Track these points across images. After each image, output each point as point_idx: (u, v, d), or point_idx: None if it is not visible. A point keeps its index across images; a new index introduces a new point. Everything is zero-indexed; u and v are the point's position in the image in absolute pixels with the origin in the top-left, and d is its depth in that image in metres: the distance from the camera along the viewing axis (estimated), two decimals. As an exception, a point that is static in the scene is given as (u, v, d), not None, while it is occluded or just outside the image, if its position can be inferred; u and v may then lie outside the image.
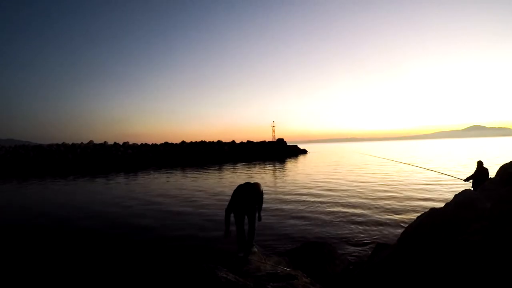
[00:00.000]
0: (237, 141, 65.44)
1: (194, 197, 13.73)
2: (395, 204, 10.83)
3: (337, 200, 12.07)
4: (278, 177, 21.80)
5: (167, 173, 27.98)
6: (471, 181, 7.59)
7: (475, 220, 2.87)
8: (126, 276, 5.40)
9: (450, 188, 13.54)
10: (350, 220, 8.96)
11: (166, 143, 60.49)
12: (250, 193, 4.25)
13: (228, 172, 27.13)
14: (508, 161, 5.75)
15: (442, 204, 3.59)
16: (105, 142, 56.97)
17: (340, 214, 9.72)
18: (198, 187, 17.10)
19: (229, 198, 4.32)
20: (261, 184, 4.58)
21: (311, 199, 12.48)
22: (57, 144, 53.27)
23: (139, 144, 59.79)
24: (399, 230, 7.29)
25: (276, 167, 31.86)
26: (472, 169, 8.39)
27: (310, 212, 10.17)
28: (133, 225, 9.06)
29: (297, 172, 25.24)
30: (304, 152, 69.26)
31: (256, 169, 30.72)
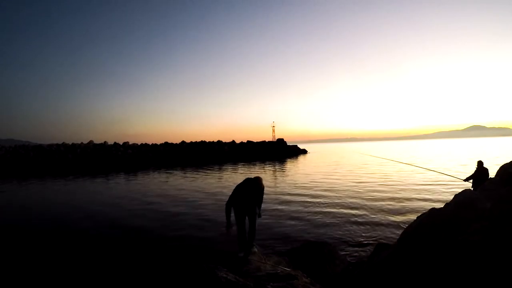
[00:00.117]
0: (237, 141, 65.50)
1: (194, 197, 13.73)
2: (395, 204, 10.83)
3: (337, 200, 12.08)
4: (278, 177, 21.80)
5: (167, 173, 27.98)
6: (471, 181, 7.59)
7: (475, 220, 2.87)
8: (126, 276, 5.40)
9: (450, 188, 13.54)
10: (350, 220, 8.96)
11: (166, 143, 60.50)
12: (250, 192, 4.24)
13: (228, 172, 27.13)
14: (508, 161, 5.75)
15: (442, 204, 3.59)
16: (105, 142, 56.98)
17: (340, 214, 9.72)
18: (197, 187, 17.10)
19: (228, 196, 4.34)
20: (262, 178, 4.50)
21: (311, 199, 12.47)
22: (57, 144, 53.28)
23: (139, 144, 59.81)
24: (399, 230, 7.29)
25: (276, 167, 31.87)
26: (472, 169, 8.39)
27: (310, 212, 10.17)
28: (133, 225, 9.05)
29: (297, 172, 25.24)
30: (304, 152, 69.27)
31: (256, 169, 30.72)
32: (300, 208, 10.83)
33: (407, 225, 4.25)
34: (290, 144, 69.75)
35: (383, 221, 8.66)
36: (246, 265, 3.78)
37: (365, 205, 10.93)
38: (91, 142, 56.80)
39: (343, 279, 4.16)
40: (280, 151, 62.11)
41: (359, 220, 8.92)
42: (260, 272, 3.58)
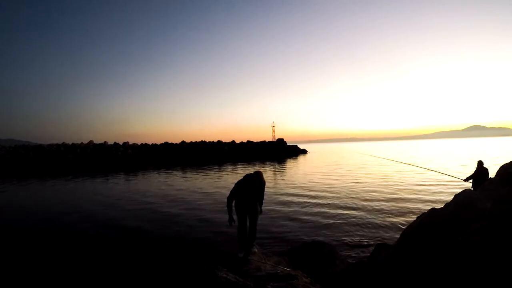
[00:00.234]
0: (237, 141, 65.49)
1: (193, 198, 13.73)
2: (395, 205, 10.83)
3: (337, 200, 12.07)
4: (278, 177, 21.80)
5: (167, 173, 27.98)
6: (471, 181, 7.59)
7: (475, 220, 2.87)
8: (126, 276, 5.40)
9: (450, 188, 13.54)
10: (350, 220, 8.96)
11: (166, 143, 60.49)
12: (251, 187, 4.20)
13: (228, 172, 27.13)
14: (508, 161, 5.75)
15: (442, 204, 3.59)
16: (105, 142, 56.98)
17: (340, 214, 9.72)
18: (197, 188, 17.10)
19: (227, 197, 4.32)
20: (262, 172, 4.44)
21: (311, 199, 12.47)
22: (57, 144, 53.27)
23: (139, 144, 59.80)
24: (399, 230, 7.29)
25: (276, 167, 31.87)
26: (472, 169, 8.39)
27: (310, 212, 10.17)
28: (133, 226, 9.05)
29: (297, 172, 25.24)
30: (304, 152, 69.26)
31: (256, 169, 30.73)
32: (299, 208, 10.83)
33: (407, 225, 4.25)
34: (290, 144, 69.73)
35: (383, 222, 8.66)
36: (246, 265, 3.78)
37: (365, 205, 10.93)
38: (91, 142, 56.80)
39: (343, 279, 4.16)
40: (280, 151, 62.09)
41: (359, 220, 8.92)
42: (260, 272, 3.58)
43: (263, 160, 46.18)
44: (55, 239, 7.84)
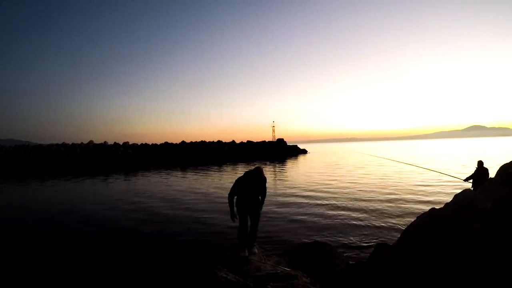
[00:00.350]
0: (237, 141, 65.49)
1: (193, 198, 13.73)
2: (395, 205, 10.83)
3: (337, 200, 12.07)
4: (278, 178, 21.80)
5: (167, 173, 27.98)
6: (471, 181, 7.59)
7: (475, 220, 2.87)
8: (126, 276, 5.40)
9: (450, 188, 13.54)
10: (350, 220, 8.96)
11: (166, 143, 60.50)
12: (251, 184, 4.17)
13: (228, 172, 27.13)
14: (508, 161, 5.75)
15: (442, 204, 3.59)
16: (105, 142, 56.98)
17: (340, 215, 9.72)
18: (197, 188, 17.10)
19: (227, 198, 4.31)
20: (262, 168, 4.36)
21: (311, 200, 12.47)
22: (57, 144, 53.27)
23: (139, 144, 59.81)
24: (399, 231, 7.29)
25: (276, 167, 31.87)
26: (472, 169, 8.39)
27: (310, 212, 10.17)
28: (132, 226, 9.06)
29: (297, 173, 25.24)
30: (304, 152, 69.26)
31: (256, 169, 30.69)
32: (299, 209, 10.83)
33: (407, 225, 4.25)
34: (290, 144, 69.74)
35: (383, 222, 8.66)
36: (246, 265, 3.78)
37: (365, 205, 10.93)
38: (91, 142, 56.80)
39: (343, 279, 4.16)
40: (280, 151, 62.09)
41: (358, 220, 8.92)
42: (260, 272, 3.58)
43: (263, 160, 46.17)
44: (55, 240, 7.83)
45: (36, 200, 14.43)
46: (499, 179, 4.67)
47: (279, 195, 13.48)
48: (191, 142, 61.84)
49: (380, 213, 9.60)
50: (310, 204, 11.51)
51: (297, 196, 13.35)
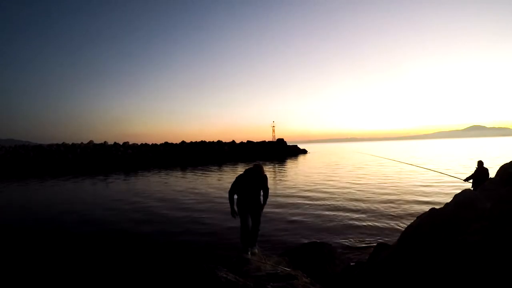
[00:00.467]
0: (237, 141, 65.50)
1: (193, 198, 13.74)
2: (395, 205, 10.83)
3: (337, 201, 12.07)
4: (278, 178, 21.81)
5: (167, 173, 27.98)
6: (471, 181, 7.59)
7: (475, 220, 2.87)
8: (126, 276, 5.40)
9: (450, 188, 13.54)
10: (350, 220, 8.96)
11: (166, 143, 60.50)
12: (251, 181, 4.15)
13: (227, 173, 27.13)
14: (508, 161, 5.75)
15: (442, 204, 3.59)
16: (105, 142, 56.98)
17: (340, 215, 9.72)
18: (197, 188, 17.10)
19: (226, 199, 4.30)
20: (262, 165, 4.31)
21: (311, 200, 12.47)
22: (57, 144, 53.28)
23: (139, 144, 59.81)
24: (399, 231, 7.29)
25: (276, 167, 31.87)
26: (472, 169, 8.39)
27: (310, 212, 10.17)
28: (132, 226, 9.06)
29: (297, 173, 25.24)
30: (304, 152, 69.26)
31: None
32: (299, 209, 10.83)
33: (407, 226, 4.25)
34: (290, 144, 69.75)
35: (383, 222, 8.66)
36: (246, 265, 3.78)
37: (365, 205, 10.93)
38: (91, 142, 56.80)
39: (343, 279, 4.16)
40: (280, 151, 62.10)
41: (358, 220, 8.92)
42: (260, 272, 3.58)
43: (263, 160, 46.17)
44: (54, 240, 7.83)
45: (36, 200, 14.42)
46: (499, 179, 4.66)
47: (279, 195, 13.48)
48: (191, 142, 61.85)
49: (380, 213, 9.60)
50: (310, 204, 11.51)
51: (297, 196, 13.35)
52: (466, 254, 2.50)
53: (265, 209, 4.53)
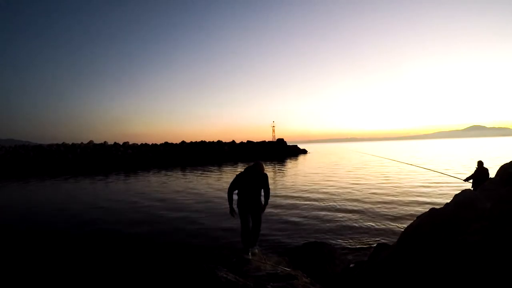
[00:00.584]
0: (237, 141, 65.51)
1: (193, 198, 13.73)
2: (395, 205, 10.82)
3: (336, 201, 12.07)
4: (278, 178, 21.81)
5: (167, 173, 27.98)
6: (471, 181, 7.59)
7: (475, 220, 2.87)
8: (126, 276, 5.40)
9: (450, 188, 13.54)
10: (350, 221, 8.95)
11: (166, 143, 60.50)
12: (251, 179, 4.13)
13: (227, 173, 27.13)
14: (508, 161, 5.75)
15: (442, 204, 3.59)
16: (105, 142, 56.99)
17: (340, 215, 9.72)
18: (197, 188, 17.10)
19: (226, 199, 4.29)
20: (262, 163, 4.25)
21: (311, 200, 12.48)
22: (57, 144, 53.28)
23: (139, 144, 59.81)
24: (399, 231, 7.29)
25: (276, 167, 31.87)
26: (472, 169, 8.39)
27: (310, 212, 10.17)
28: (131, 226, 9.05)
29: (297, 173, 25.24)
30: (304, 152, 69.26)
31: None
32: (299, 208, 10.83)
33: (406, 226, 4.25)
34: (290, 144, 69.75)
35: (383, 222, 8.66)
36: (246, 265, 3.78)
37: (365, 206, 10.92)
38: (91, 142, 56.80)
39: (343, 279, 4.16)
40: (280, 151, 62.10)
41: (359, 220, 8.92)
42: (260, 272, 3.58)
43: (263, 160, 46.06)
44: (54, 240, 7.83)
45: (36, 200, 14.40)
46: (499, 179, 4.66)
47: (279, 196, 13.48)
48: (191, 142, 61.85)
49: (380, 214, 9.60)
50: (310, 204, 11.51)
51: (296, 196, 13.35)
52: (466, 254, 2.50)
53: (266, 209, 4.51)
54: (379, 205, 10.77)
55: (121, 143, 57.10)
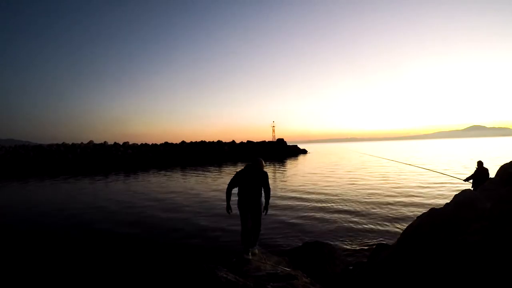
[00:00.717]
0: (237, 141, 65.51)
1: (193, 198, 13.73)
2: (394, 205, 10.82)
3: (336, 201, 12.07)
4: (278, 178, 21.80)
5: (167, 173, 27.98)
6: (471, 181, 7.59)
7: (475, 220, 2.87)
8: (126, 276, 5.40)
9: (450, 188, 13.54)
10: (350, 221, 8.95)
11: (166, 143, 60.51)
12: (251, 177, 4.10)
13: (227, 173, 27.13)
14: (508, 161, 5.75)
15: (442, 204, 3.59)
16: (105, 142, 57.00)
17: (340, 215, 9.72)
18: (196, 189, 17.10)
19: (225, 200, 4.28)
20: (262, 161, 4.21)
21: (311, 200, 12.47)
22: (57, 144, 53.29)
23: (139, 144, 59.83)
24: (399, 231, 7.29)
25: (276, 167, 31.87)
26: (472, 169, 8.39)
27: (310, 212, 10.17)
28: (131, 227, 9.05)
29: (297, 173, 25.24)
30: (304, 152, 69.26)
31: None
32: (299, 208, 10.83)
33: (407, 226, 4.25)
34: (290, 144, 69.75)
35: (383, 222, 8.66)
36: (246, 265, 3.78)
37: (365, 206, 10.92)
38: (91, 142, 56.81)
39: (343, 279, 4.16)
40: (280, 151, 62.10)
41: (358, 221, 8.92)
42: (260, 272, 3.58)
43: (263, 160, 46.14)
44: (54, 240, 7.83)
45: (37, 200, 14.41)
46: (499, 179, 4.67)
47: (279, 196, 13.48)
48: (191, 142, 61.86)
49: (380, 214, 9.60)
50: (310, 204, 11.51)
51: (296, 197, 13.34)
52: (466, 254, 2.50)
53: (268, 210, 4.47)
54: (379, 206, 10.76)
55: (121, 143, 57.11)
